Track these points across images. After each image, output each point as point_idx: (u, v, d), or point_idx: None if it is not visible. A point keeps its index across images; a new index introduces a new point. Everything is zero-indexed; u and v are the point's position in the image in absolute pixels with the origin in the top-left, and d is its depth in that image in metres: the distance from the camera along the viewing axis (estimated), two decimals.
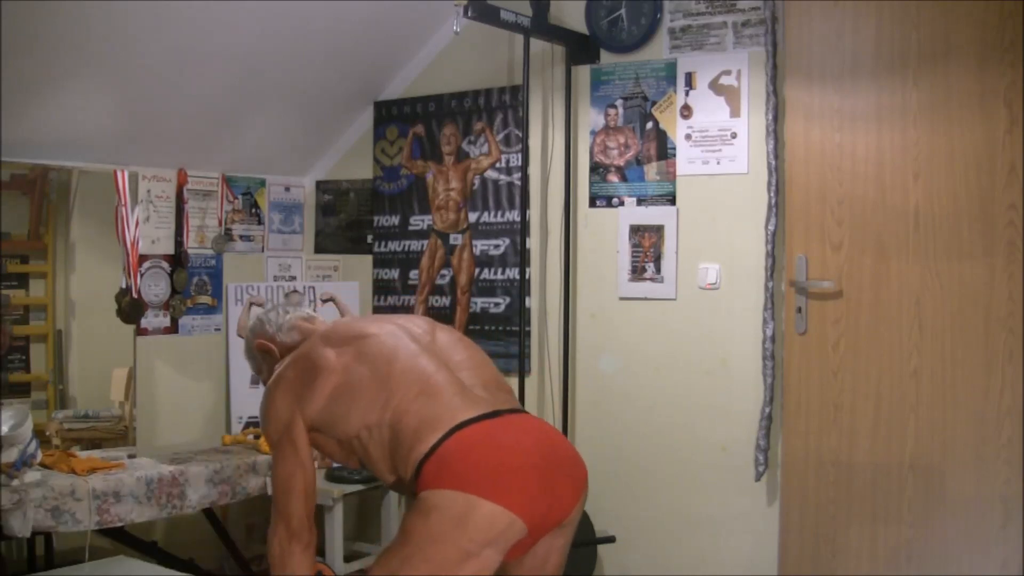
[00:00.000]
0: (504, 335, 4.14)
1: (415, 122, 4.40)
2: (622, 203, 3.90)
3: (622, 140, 3.89)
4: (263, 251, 4.55)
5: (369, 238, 4.58)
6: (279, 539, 2.40)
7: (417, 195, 4.41)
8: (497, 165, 4.18)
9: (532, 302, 4.08)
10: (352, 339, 2.45)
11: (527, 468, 2.17)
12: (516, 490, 2.12)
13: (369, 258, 4.58)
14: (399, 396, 2.28)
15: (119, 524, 3.26)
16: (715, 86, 3.70)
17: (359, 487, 4.08)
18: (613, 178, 3.92)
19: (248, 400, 4.31)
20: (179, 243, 4.14)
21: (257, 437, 3.93)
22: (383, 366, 2.35)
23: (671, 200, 3.79)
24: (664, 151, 3.80)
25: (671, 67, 3.79)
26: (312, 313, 2.69)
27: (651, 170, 3.83)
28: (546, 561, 2.31)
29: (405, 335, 2.44)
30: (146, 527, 3.80)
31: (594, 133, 3.95)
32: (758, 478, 3.53)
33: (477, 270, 4.24)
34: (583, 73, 3.98)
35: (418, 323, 2.53)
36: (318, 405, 2.38)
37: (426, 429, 2.21)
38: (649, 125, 3.83)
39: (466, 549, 2.08)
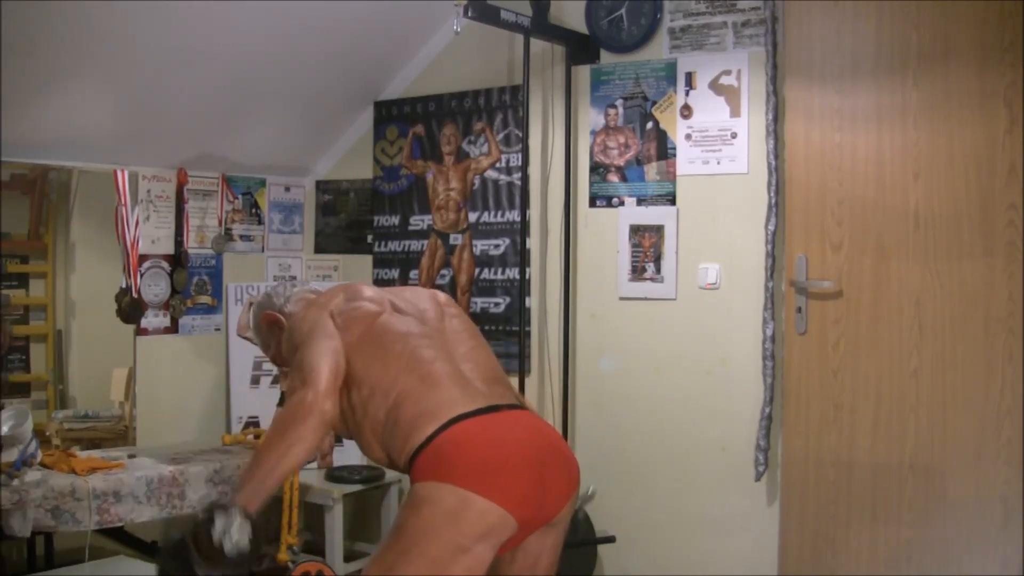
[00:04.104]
0: (504, 335, 4.14)
1: (415, 122, 4.40)
2: (622, 203, 3.90)
3: (622, 140, 3.89)
4: (263, 251, 4.55)
5: (369, 238, 4.58)
6: (301, 397, 2.18)
7: (417, 195, 4.41)
8: (497, 165, 4.18)
9: (532, 302, 4.08)
10: (386, 294, 2.45)
11: (520, 465, 2.18)
12: (509, 486, 2.13)
13: (369, 258, 4.58)
14: (403, 381, 2.27)
15: (119, 524, 3.25)
16: (715, 86, 3.70)
17: (359, 487, 4.08)
18: (613, 178, 3.92)
19: (248, 400, 4.31)
20: (179, 243, 4.14)
21: (257, 437, 3.93)
22: (398, 345, 2.33)
23: (671, 200, 3.79)
24: (664, 151, 3.80)
25: (671, 67, 3.79)
26: (318, 288, 2.67)
27: (651, 170, 3.83)
28: (538, 560, 2.31)
29: (416, 318, 2.43)
30: (146, 527, 3.79)
31: (594, 133, 3.95)
32: (758, 478, 3.53)
33: (477, 270, 4.24)
34: (583, 73, 3.98)
35: (430, 306, 2.50)
36: (356, 333, 2.32)
37: (424, 419, 2.21)
38: (649, 125, 3.83)
39: (459, 543, 2.08)
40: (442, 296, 2.58)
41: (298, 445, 2.15)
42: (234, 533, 2.03)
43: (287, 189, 4.64)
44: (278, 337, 2.57)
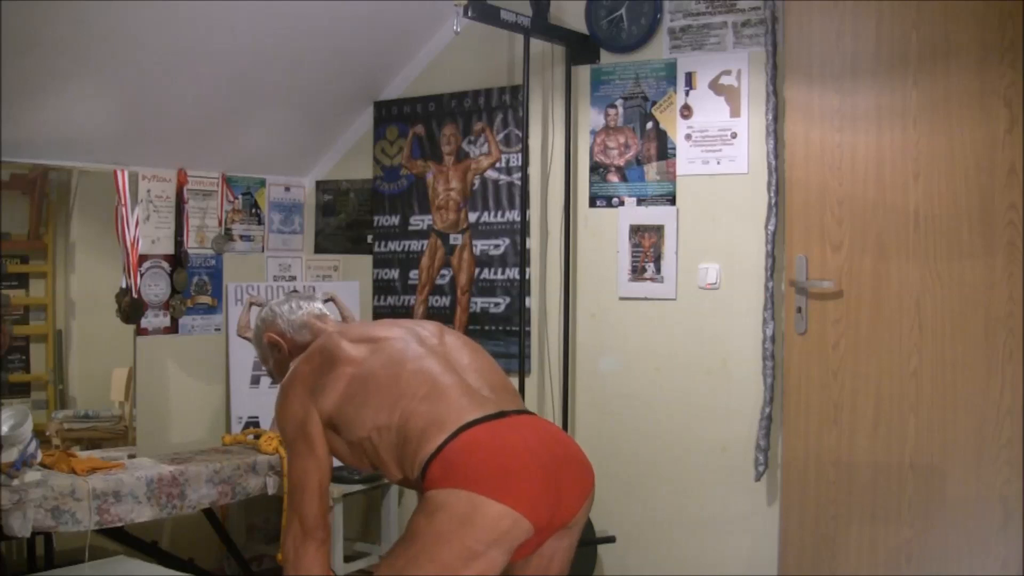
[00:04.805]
0: (504, 335, 4.14)
1: (415, 122, 4.40)
2: (622, 203, 3.89)
3: (622, 140, 3.89)
4: (263, 251, 4.55)
5: (369, 238, 4.58)
6: (293, 537, 2.38)
7: (417, 195, 4.41)
8: (497, 165, 4.18)
9: (532, 302, 4.08)
10: (367, 339, 2.45)
11: (533, 468, 2.17)
12: (521, 490, 2.12)
13: (369, 258, 4.58)
14: (407, 398, 2.28)
15: (119, 524, 3.25)
16: (715, 86, 3.70)
17: (359, 487, 4.08)
18: (613, 178, 3.92)
19: (248, 400, 4.31)
20: (179, 243, 4.14)
21: (257, 437, 3.93)
22: (393, 368, 2.34)
23: (671, 200, 3.79)
24: (664, 151, 3.80)
25: (671, 67, 3.79)
26: (324, 311, 2.68)
27: (651, 170, 3.83)
28: (551, 561, 2.31)
29: (413, 339, 2.44)
30: (146, 527, 3.79)
31: (594, 133, 3.95)
32: (758, 478, 3.53)
33: (477, 270, 4.24)
34: (583, 73, 3.98)
35: (426, 327, 2.53)
36: (334, 398, 2.35)
37: (433, 430, 2.21)
38: (649, 125, 3.83)
39: (472, 549, 2.08)
40: (440, 325, 2.61)
41: (314, 570, 2.36)
42: None
43: (287, 189, 4.64)
44: (276, 356, 2.63)
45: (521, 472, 2.15)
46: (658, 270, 3.81)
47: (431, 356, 2.38)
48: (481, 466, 2.13)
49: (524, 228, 3.94)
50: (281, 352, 2.61)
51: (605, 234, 3.93)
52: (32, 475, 3.12)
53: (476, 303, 4.23)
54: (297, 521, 2.37)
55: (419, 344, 2.42)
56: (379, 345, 2.42)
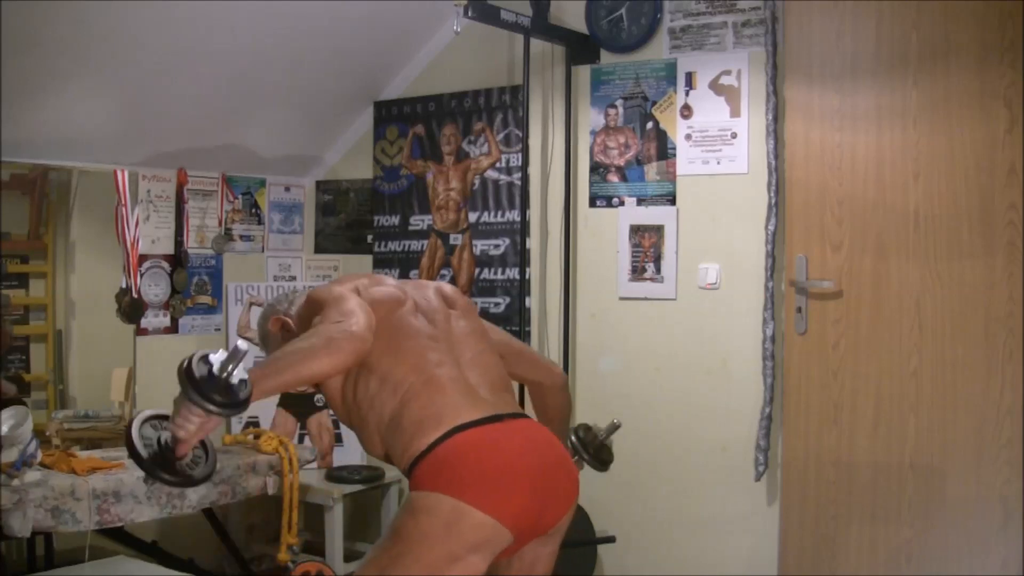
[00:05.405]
0: None
1: (415, 122, 4.40)
2: (622, 203, 3.89)
3: (622, 140, 3.89)
4: (263, 251, 4.55)
5: (369, 238, 4.58)
6: (347, 324, 2.17)
7: (417, 195, 4.41)
8: (497, 165, 4.18)
9: (532, 302, 4.08)
10: (407, 287, 2.45)
11: (520, 478, 2.17)
12: (507, 500, 2.13)
13: (369, 258, 4.58)
14: (411, 379, 2.26)
15: (119, 524, 3.25)
16: (715, 86, 3.70)
17: (359, 487, 4.08)
18: (613, 178, 3.92)
19: None
20: (179, 243, 4.14)
21: (257, 437, 3.92)
22: (411, 341, 2.31)
23: (671, 200, 3.79)
24: (664, 151, 3.80)
25: (671, 67, 3.79)
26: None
27: (651, 170, 3.83)
28: (534, 566, 2.32)
29: (428, 317, 2.40)
30: (146, 527, 3.79)
31: (594, 133, 3.95)
32: (758, 478, 3.53)
33: (477, 270, 4.24)
34: (583, 73, 3.98)
35: (437, 304, 2.46)
36: (381, 313, 2.29)
37: (427, 425, 2.20)
38: (649, 125, 3.83)
39: (454, 553, 2.09)
40: (448, 289, 2.52)
41: (331, 355, 2.12)
42: (230, 365, 2.14)
43: (287, 189, 4.64)
44: (289, 340, 2.45)
45: (508, 482, 2.15)
46: (658, 270, 3.81)
47: (437, 343, 2.34)
48: (469, 473, 2.13)
49: (524, 228, 3.94)
50: (291, 332, 2.47)
51: (605, 234, 3.93)
52: (32, 475, 3.12)
53: (476, 303, 4.23)
54: (349, 320, 2.18)
55: (430, 325, 2.38)
56: (409, 308, 2.39)
